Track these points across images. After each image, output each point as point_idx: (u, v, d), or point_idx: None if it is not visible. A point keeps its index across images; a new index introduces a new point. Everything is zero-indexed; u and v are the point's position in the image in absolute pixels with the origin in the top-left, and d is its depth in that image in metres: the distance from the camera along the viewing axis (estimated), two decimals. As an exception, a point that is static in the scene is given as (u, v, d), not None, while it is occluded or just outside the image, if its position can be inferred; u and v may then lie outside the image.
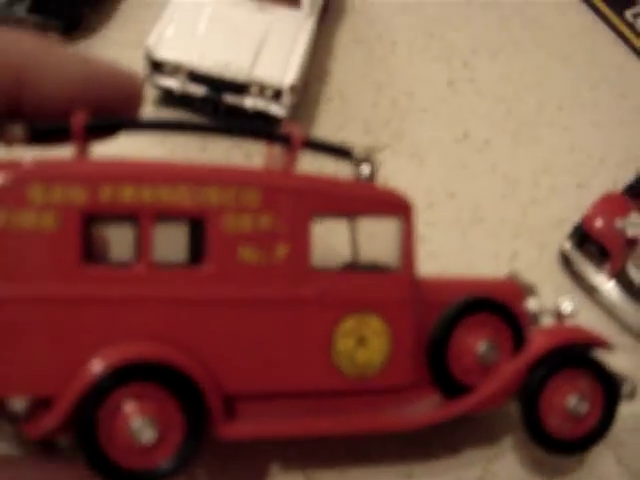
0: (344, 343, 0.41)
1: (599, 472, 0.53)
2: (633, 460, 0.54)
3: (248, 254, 0.39)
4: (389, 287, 0.43)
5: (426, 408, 0.44)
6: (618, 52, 0.85)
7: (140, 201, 0.37)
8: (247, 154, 0.63)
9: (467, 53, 0.78)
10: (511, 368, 0.45)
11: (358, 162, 0.44)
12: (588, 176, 0.70)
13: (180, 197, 0.37)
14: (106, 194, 0.36)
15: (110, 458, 0.36)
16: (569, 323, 0.49)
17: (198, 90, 0.63)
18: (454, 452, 0.51)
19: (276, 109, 0.63)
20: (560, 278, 0.63)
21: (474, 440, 0.52)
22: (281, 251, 0.39)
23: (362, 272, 0.45)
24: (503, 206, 0.66)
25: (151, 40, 0.63)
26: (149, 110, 0.66)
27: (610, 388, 0.46)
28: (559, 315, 0.49)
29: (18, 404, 0.36)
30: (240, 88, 0.62)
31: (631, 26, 0.87)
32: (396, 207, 0.43)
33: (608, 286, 0.60)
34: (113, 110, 0.40)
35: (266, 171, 0.42)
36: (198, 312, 0.38)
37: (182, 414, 0.37)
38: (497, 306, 0.45)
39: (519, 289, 0.50)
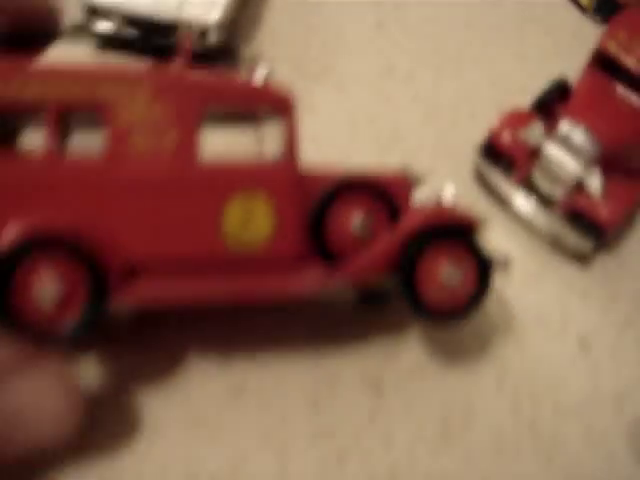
0: (232, 218, 0.46)
1: (499, 354, 0.57)
2: (534, 346, 0.58)
3: (141, 142, 0.44)
4: (274, 170, 0.47)
5: (309, 277, 0.48)
6: (547, -6, 0.89)
7: (44, 95, 0.42)
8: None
9: (398, -3, 0.83)
10: (386, 239, 0.49)
11: (250, 67, 0.48)
12: (508, 105, 0.74)
13: (79, 91, 0.42)
14: (14, 87, 0.41)
15: (21, 318, 0.41)
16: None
17: (130, 33, 0.68)
18: (361, 340, 0.55)
19: (205, 46, 0.68)
20: (476, 192, 0.67)
21: (378, 329, 0.55)
22: (170, 138, 0.44)
23: (248, 159, 0.49)
24: (422, 131, 0.70)
25: (87, -13, 0.68)
26: (91, 54, 0.71)
27: (482, 260, 0.50)
28: (439, 200, 0.52)
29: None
30: (170, 29, 0.67)
31: (561, -31, 0.90)
32: (279, 102, 0.48)
33: (516, 194, 0.64)
34: (36, 30, 0.45)
35: (159, 67, 0.46)
36: (96, 194, 0.43)
37: (85, 279, 0.42)
38: (374, 187, 0.49)
39: (406, 178, 0.53)
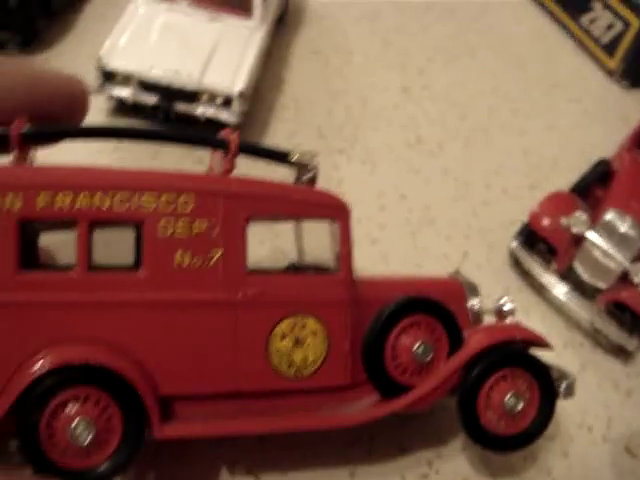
0: (280, 344, 0.42)
1: (546, 465, 0.53)
2: (580, 453, 0.54)
3: (183, 258, 0.39)
4: (325, 289, 0.43)
5: (363, 407, 0.45)
6: (573, 57, 0.86)
7: (76, 208, 0.37)
8: (199, 161, 0.64)
9: (422, 60, 0.80)
10: (447, 367, 0.45)
11: (297, 166, 0.44)
12: (541, 178, 0.71)
13: (115, 203, 0.38)
14: (42, 201, 0.37)
15: (50, 457, 0.37)
16: (509, 321, 0.50)
17: (149, 99, 0.64)
18: (399, 451, 0.51)
19: (227, 116, 0.64)
20: (510, 278, 0.63)
21: (419, 439, 0.52)
22: (216, 255, 0.40)
23: (297, 274, 0.45)
24: (454, 208, 0.67)
25: (103, 50, 0.64)
26: (104, 120, 0.67)
27: (547, 386, 0.47)
28: (499, 313, 0.49)
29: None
30: (191, 96, 0.63)
31: (587, 31, 0.88)
32: (332, 209, 0.44)
33: (556, 283, 0.61)
34: (60, 117, 0.41)
35: (201, 176, 0.43)
36: (134, 315, 0.39)
37: (120, 416, 0.38)
38: (433, 306, 0.46)
39: (460, 288, 0.50)
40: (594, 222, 0.60)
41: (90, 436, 0.37)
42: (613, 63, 0.86)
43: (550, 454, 0.54)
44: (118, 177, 0.39)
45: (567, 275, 0.61)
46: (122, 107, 0.66)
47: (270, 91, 0.72)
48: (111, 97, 0.65)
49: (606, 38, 0.86)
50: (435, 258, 0.63)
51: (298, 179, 0.44)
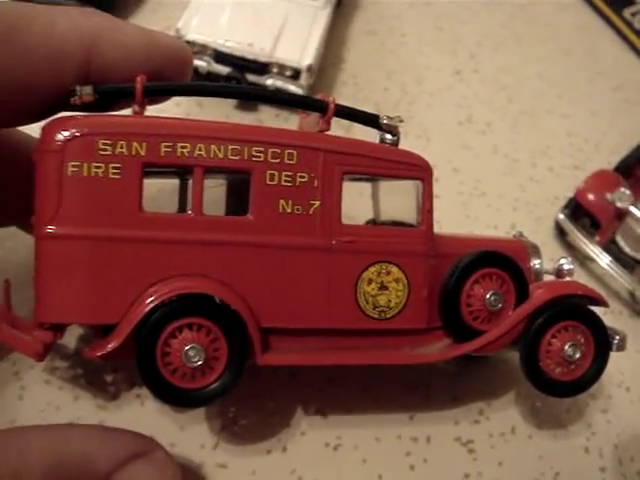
0: (367, 288, 0.46)
1: (587, 420, 0.57)
2: (617, 410, 0.58)
3: (287, 206, 0.43)
4: (408, 240, 0.47)
5: (438, 349, 0.49)
6: (615, 48, 0.90)
7: (194, 156, 0.41)
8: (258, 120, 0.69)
9: (472, 46, 0.84)
10: (515, 315, 0.49)
11: (384, 129, 0.48)
12: (583, 159, 0.75)
13: (228, 154, 0.42)
14: (164, 149, 0.41)
15: (164, 378, 0.41)
16: (568, 279, 0.53)
17: (223, 69, 0.68)
18: (452, 399, 0.55)
19: (294, 88, 0.68)
20: (555, 248, 0.67)
21: (472, 389, 0.56)
22: (315, 205, 0.44)
23: (385, 226, 0.50)
24: (503, 183, 0.71)
25: (181, 23, 0.68)
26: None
27: (602, 340, 0.51)
28: (558, 272, 0.53)
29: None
30: (261, 68, 0.68)
31: (629, 24, 0.92)
32: (419, 169, 0.48)
33: (598, 255, 0.65)
34: (169, 77, 0.45)
35: (304, 133, 0.47)
36: (241, 255, 0.43)
37: (226, 344, 0.42)
38: (505, 261, 0.49)
39: (524, 247, 0.54)
40: (636, 199, 0.64)
41: (200, 360, 0.41)
42: (653, 55, 0.89)
43: (591, 409, 0.58)
44: (230, 130, 0.43)
45: (609, 247, 0.65)
46: (197, 77, 0.71)
47: (330, 68, 0.76)
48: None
49: (647, 30, 0.89)
50: (485, 227, 0.67)
51: (382, 141, 0.48)
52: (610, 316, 0.64)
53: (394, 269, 0.46)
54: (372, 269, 0.46)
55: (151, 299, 0.41)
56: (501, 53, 0.84)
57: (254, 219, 0.43)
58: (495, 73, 0.81)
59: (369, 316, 0.46)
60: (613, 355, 0.60)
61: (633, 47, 0.91)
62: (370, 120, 0.47)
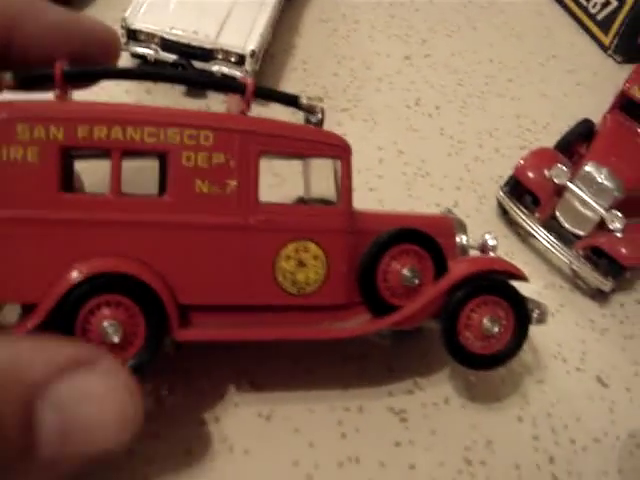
0: (285, 265, 0.47)
1: (521, 391, 0.58)
2: (554, 381, 0.59)
3: (203, 186, 0.45)
4: (327, 218, 0.48)
5: (357, 324, 0.50)
6: (570, 32, 0.91)
7: (111, 139, 0.42)
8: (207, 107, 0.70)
9: (425, 32, 0.85)
10: (432, 290, 0.50)
11: (306, 109, 0.49)
12: (531, 140, 0.76)
13: (144, 136, 0.43)
14: (81, 132, 0.42)
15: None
16: (491, 255, 0.55)
17: (169, 57, 0.70)
18: (388, 371, 0.56)
19: (239, 74, 0.70)
20: (497, 226, 0.68)
21: (408, 361, 0.57)
22: (231, 185, 0.45)
23: (304, 205, 0.51)
24: (447, 163, 0.72)
25: (128, 12, 0.70)
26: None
27: (522, 314, 0.52)
28: (483, 248, 0.55)
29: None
30: (207, 55, 0.69)
31: (584, 8, 0.93)
32: (336, 149, 0.49)
33: (539, 231, 0.66)
34: (93, 60, 0.46)
35: (220, 115, 0.47)
36: (159, 235, 0.44)
37: (144, 320, 0.43)
38: (422, 237, 0.50)
39: (450, 223, 0.55)
40: (575, 175, 0.65)
41: (118, 336, 0.42)
42: (607, 39, 0.90)
43: (526, 380, 0.59)
44: (147, 113, 0.44)
45: (549, 223, 0.66)
46: (144, 66, 0.72)
47: (281, 54, 0.78)
48: (135, 55, 0.71)
49: (601, 15, 0.91)
50: (428, 206, 0.68)
51: (307, 121, 0.49)
52: (551, 290, 0.66)
53: (312, 246, 0.47)
54: (290, 246, 0.47)
55: (70, 278, 0.42)
56: (454, 38, 0.85)
57: (171, 199, 0.44)
58: (447, 58, 0.83)
59: (288, 292, 0.47)
60: (550, 327, 0.62)
61: (588, 31, 0.92)
62: (290, 101, 0.48)
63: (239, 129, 0.45)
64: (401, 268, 0.50)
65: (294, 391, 0.54)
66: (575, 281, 0.66)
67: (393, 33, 0.84)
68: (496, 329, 0.50)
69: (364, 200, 0.66)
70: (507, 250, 0.67)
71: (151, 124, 0.43)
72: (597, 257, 0.64)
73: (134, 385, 0.38)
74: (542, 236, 0.65)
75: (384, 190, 0.68)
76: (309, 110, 0.48)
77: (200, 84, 0.50)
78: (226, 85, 0.48)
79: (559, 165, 0.64)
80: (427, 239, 0.51)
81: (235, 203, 0.45)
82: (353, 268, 0.50)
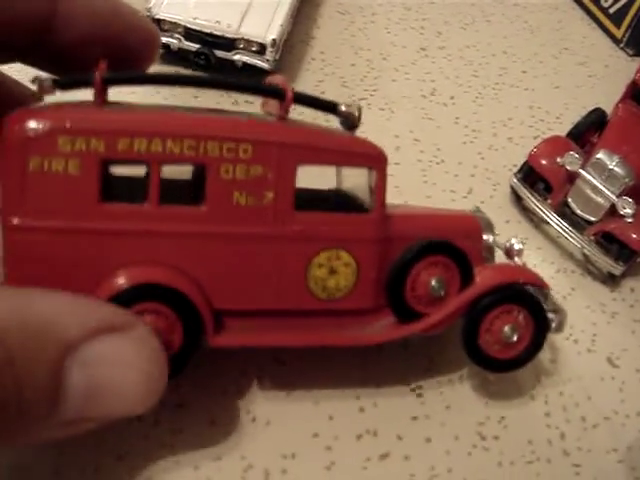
0: (317, 272, 0.48)
1: (534, 369, 0.60)
2: (565, 361, 0.61)
3: (241, 198, 0.45)
4: (359, 227, 0.49)
5: (382, 328, 0.51)
6: (583, 25, 0.93)
7: (150, 152, 0.43)
8: (235, 102, 0.72)
9: (440, 24, 0.87)
10: (456, 301, 0.51)
11: (342, 115, 0.48)
12: (544, 130, 0.78)
13: (185, 149, 0.43)
14: (122, 145, 0.43)
15: None
16: (516, 261, 0.55)
17: (192, 46, 0.72)
18: (404, 349, 0.58)
19: (260, 62, 0.72)
20: (510, 212, 0.70)
21: (424, 339, 0.58)
22: (269, 196, 0.46)
23: (337, 213, 0.49)
24: (462, 151, 0.74)
25: (152, 3, 0.72)
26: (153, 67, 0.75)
27: (541, 323, 0.53)
28: (508, 252, 0.56)
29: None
30: (229, 44, 0.71)
31: (596, 2, 0.94)
32: (372, 159, 0.49)
33: (551, 217, 0.67)
34: (134, 53, 0.47)
35: (258, 126, 0.46)
36: (196, 243, 0.45)
37: (181, 327, 0.45)
38: (450, 249, 0.51)
39: (478, 225, 0.55)
40: (586, 162, 0.66)
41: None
42: (619, 32, 0.92)
43: (539, 359, 0.60)
44: (186, 125, 0.44)
45: (561, 209, 0.68)
46: (167, 55, 0.75)
47: (299, 45, 0.80)
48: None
49: (614, 8, 0.92)
50: (443, 192, 0.70)
51: (343, 126, 0.49)
52: (563, 274, 0.67)
53: (344, 254, 0.48)
54: (322, 255, 0.48)
55: (112, 287, 0.43)
56: (468, 31, 0.87)
57: (208, 210, 0.45)
58: (461, 50, 0.84)
59: (318, 297, 0.49)
60: (564, 308, 0.63)
61: (600, 24, 0.94)
62: (329, 107, 0.48)
63: (277, 142, 0.45)
64: (429, 279, 0.51)
65: (314, 367, 0.56)
66: (586, 266, 0.67)
67: (409, 25, 0.85)
68: (515, 337, 0.52)
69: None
70: (521, 236, 0.69)
71: (191, 137, 0.43)
72: (608, 243, 0.66)
73: (162, 355, 0.40)
74: (554, 222, 0.67)
75: (401, 177, 0.70)
76: (348, 117, 0.48)
77: (241, 88, 0.49)
78: (267, 91, 0.47)
79: (571, 152, 0.66)
80: (456, 251, 0.51)
81: (271, 214, 0.46)
82: (382, 274, 0.51)
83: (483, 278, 0.52)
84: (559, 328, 0.54)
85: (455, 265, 0.52)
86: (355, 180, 0.54)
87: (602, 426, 0.58)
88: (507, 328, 0.52)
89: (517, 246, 0.54)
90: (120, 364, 0.38)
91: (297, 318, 0.50)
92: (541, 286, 0.54)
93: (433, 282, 0.51)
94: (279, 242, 0.47)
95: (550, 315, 0.53)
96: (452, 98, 0.78)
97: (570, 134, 0.70)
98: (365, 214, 0.49)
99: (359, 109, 0.48)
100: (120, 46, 0.46)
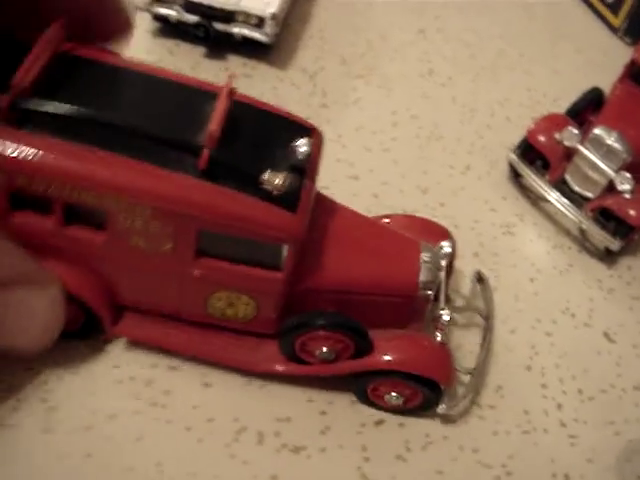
0: (216, 302, 0.49)
1: (530, 341, 0.59)
2: (562, 334, 0.61)
3: (139, 241, 0.45)
4: (264, 282, 0.47)
5: (273, 356, 0.51)
6: (581, 14, 0.93)
7: (49, 192, 0.43)
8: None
9: (438, 7, 0.87)
10: (345, 366, 0.50)
11: (263, 185, 0.43)
12: (542, 112, 0.77)
13: (82, 197, 0.43)
14: (21, 181, 0.43)
15: None
16: (437, 335, 0.51)
17: (191, 18, 0.72)
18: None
19: (259, 36, 0.72)
20: (507, 189, 0.70)
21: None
22: (167, 245, 0.45)
23: (244, 266, 0.47)
24: (460, 129, 0.74)
25: (152, -26, 0.72)
26: (148, 39, 0.75)
27: (429, 400, 0.51)
28: (435, 320, 0.52)
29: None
30: (228, 16, 0.71)
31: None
32: (283, 235, 0.44)
33: (549, 193, 0.67)
34: (96, 30, 0.46)
35: (163, 188, 0.43)
36: (105, 257, 0.47)
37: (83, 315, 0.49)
38: (351, 328, 0.49)
39: (414, 284, 0.51)
40: (585, 138, 0.66)
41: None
42: (617, 21, 0.92)
43: (536, 332, 0.60)
44: (87, 176, 0.42)
45: (559, 186, 0.67)
46: (165, 28, 0.74)
47: (298, 23, 0.80)
48: (157, 17, 0.73)
49: (611, -3, 0.93)
50: (440, 167, 0.70)
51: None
52: (559, 250, 0.67)
53: (245, 297, 0.48)
54: (223, 293, 0.48)
55: None
56: (466, 14, 0.87)
57: (107, 241, 0.46)
58: (459, 32, 0.84)
59: (218, 318, 0.50)
60: (558, 284, 0.64)
61: (598, 13, 0.94)
62: (247, 180, 0.43)
63: (177, 212, 0.43)
64: (321, 346, 0.49)
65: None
66: (584, 242, 0.67)
67: (407, 8, 0.86)
68: (400, 401, 0.51)
69: (378, 160, 0.68)
70: (517, 212, 0.69)
71: (91, 190, 0.43)
72: (606, 219, 0.65)
73: (62, 313, 0.45)
74: (552, 197, 0.67)
75: (397, 151, 0.70)
76: (270, 187, 0.43)
77: (155, 140, 0.43)
78: (179, 146, 0.43)
79: (569, 128, 0.66)
80: (356, 330, 0.49)
81: (170, 257, 0.46)
82: (281, 313, 0.50)
83: (380, 356, 0.49)
84: (447, 413, 0.52)
85: (352, 340, 0.49)
86: None
87: (599, 399, 0.57)
88: (391, 395, 0.51)
89: (445, 317, 0.51)
90: (30, 310, 0.43)
91: (199, 329, 0.51)
92: (440, 382, 0.50)
93: (324, 349, 0.49)
94: (178, 278, 0.47)
95: (441, 407, 0.52)
96: (450, 79, 0.79)
97: (568, 112, 0.70)
98: (273, 272, 0.46)
99: (284, 179, 0.43)
100: (86, 18, 0.46)
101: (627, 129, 0.66)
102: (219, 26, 0.72)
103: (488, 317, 0.57)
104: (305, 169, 0.46)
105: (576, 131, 0.66)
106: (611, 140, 0.65)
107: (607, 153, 0.65)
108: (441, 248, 0.53)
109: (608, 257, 0.67)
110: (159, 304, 0.50)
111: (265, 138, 0.46)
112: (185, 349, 0.51)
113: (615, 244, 0.65)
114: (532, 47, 0.86)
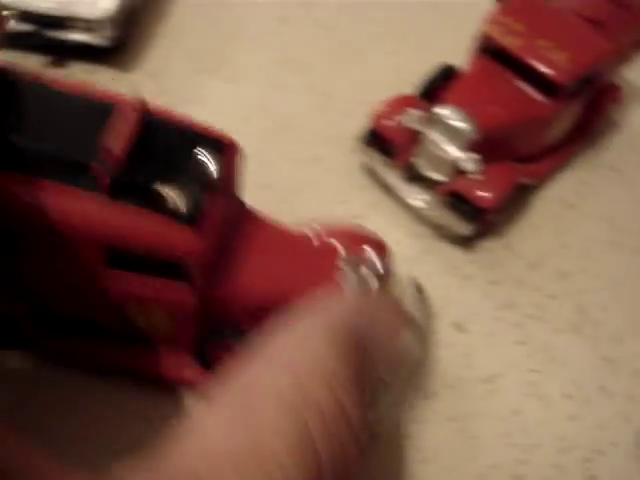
0: (132, 313, 0.47)
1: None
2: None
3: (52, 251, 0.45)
4: (176, 293, 0.45)
5: (182, 364, 0.50)
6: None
7: None
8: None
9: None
10: None
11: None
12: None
13: None
14: None
15: None
16: None
17: (25, 28, 0.69)
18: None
19: (98, 40, 0.69)
20: (360, 178, 0.67)
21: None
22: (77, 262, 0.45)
23: (155, 277, 0.45)
24: (315, 119, 0.71)
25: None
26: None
27: None
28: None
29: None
30: (59, 22, 0.68)
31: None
32: (180, 251, 0.43)
33: (398, 180, 0.64)
34: None
35: (64, 210, 0.43)
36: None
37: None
38: None
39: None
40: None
41: None
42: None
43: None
44: None
45: (409, 171, 0.64)
46: (9, 39, 0.72)
47: (150, 21, 0.77)
48: (-4, 30, 0.70)
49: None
50: (287, 161, 0.67)
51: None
52: (414, 238, 0.64)
53: (158, 310, 0.47)
54: (135, 305, 0.47)
55: None
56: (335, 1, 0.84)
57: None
58: (323, 19, 0.81)
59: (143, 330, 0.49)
60: (413, 273, 0.60)
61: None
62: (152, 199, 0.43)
63: (79, 235, 0.43)
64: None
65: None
66: (437, 228, 0.64)
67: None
68: None
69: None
70: (370, 201, 0.66)
71: None
72: (459, 203, 0.62)
73: None
74: (402, 185, 0.64)
75: (248, 147, 0.66)
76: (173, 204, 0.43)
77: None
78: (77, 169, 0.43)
79: (409, 109, 0.63)
80: None
81: (81, 267, 0.45)
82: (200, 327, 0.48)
83: None
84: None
85: None
86: None
87: (442, 394, 0.55)
88: None
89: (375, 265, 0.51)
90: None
91: (116, 339, 0.50)
92: None
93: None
94: (91, 288, 0.46)
95: None
96: (309, 67, 0.75)
97: (419, 92, 0.67)
98: (186, 283, 0.45)
99: (182, 194, 0.43)
100: None
101: (475, 106, 0.63)
102: (52, 33, 0.69)
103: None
104: (211, 183, 0.44)
105: (418, 112, 0.63)
106: (456, 120, 0.61)
107: (453, 133, 0.62)
108: (365, 257, 0.51)
109: (466, 242, 0.64)
110: (78, 306, 0.49)
111: (173, 153, 0.45)
112: (103, 358, 0.50)
113: (467, 228, 0.62)
114: (403, 26, 0.82)
